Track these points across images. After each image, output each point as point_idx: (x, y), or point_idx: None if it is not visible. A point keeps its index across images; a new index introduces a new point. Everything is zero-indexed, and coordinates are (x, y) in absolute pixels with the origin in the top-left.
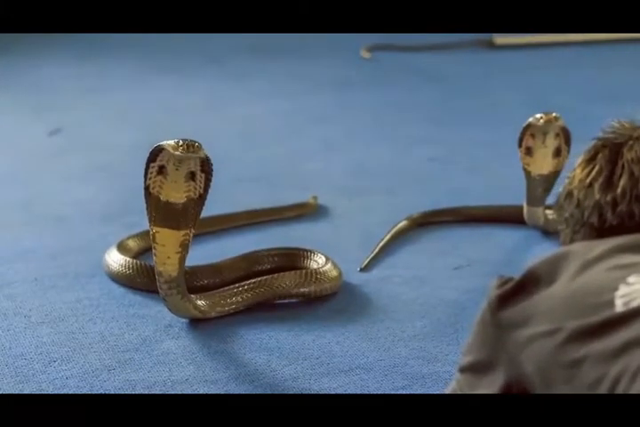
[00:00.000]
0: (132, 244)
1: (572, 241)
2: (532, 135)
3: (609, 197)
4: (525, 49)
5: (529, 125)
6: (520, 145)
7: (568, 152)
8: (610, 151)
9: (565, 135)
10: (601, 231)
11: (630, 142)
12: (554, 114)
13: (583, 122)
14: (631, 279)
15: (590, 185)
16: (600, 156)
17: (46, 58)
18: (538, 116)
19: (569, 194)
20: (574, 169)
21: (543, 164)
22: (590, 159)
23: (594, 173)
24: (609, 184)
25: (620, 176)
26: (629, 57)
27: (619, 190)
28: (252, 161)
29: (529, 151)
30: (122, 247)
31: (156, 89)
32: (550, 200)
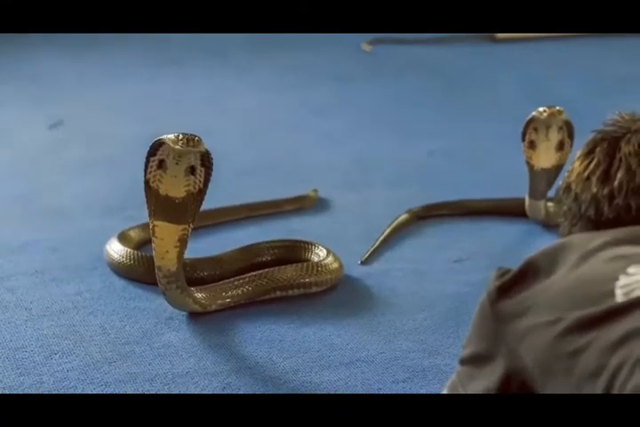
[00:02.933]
0: (132, 234)
1: (570, 234)
2: (536, 129)
3: (606, 191)
4: (527, 42)
5: (532, 119)
6: (523, 139)
7: (571, 146)
8: (608, 144)
9: (568, 129)
10: (598, 224)
11: (628, 135)
12: (557, 107)
13: (585, 114)
14: (631, 270)
15: (588, 178)
16: (598, 149)
17: (47, 51)
18: (541, 109)
19: (567, 187)
20: (573, 162)
21: (546, 157)
22: (589, 152)
23: (592, 166)
24: (606, 177)
25: (618, 169)
26: (631, 49)
27: (615, 184)
28: (252, 154)
29: (532, 145)
30: (123, 238)
31: (156, 82)
32: (552, 193)
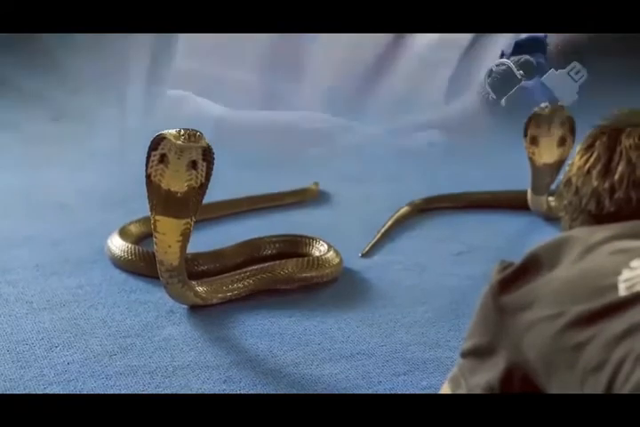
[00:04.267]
0: (133, 229)
1: (571, 228)
2: (537, 124)
3: (607, 184)
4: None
5: (534, 115)
6: (525, 134)
7: (573, 141)
8: (608, 138)
9: (570, 124)
10: (599, 218)
11: (628, 129)
12: (559, 103)
13: (586, 110)
14: (634, 264)
15: (588, 172)
16: (598, 143)
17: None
18: (543, 105)
19: (568, 181)
20: (574, 156)
21: (548, 152)
22: (588, 147)
23: (592, 160)
24: (607, 171)
25: (618, 163)
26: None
27: (616, 177)
28: (253, 147)
29: (534, 140)
30: (124, 232)
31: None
32: (553, 187)
